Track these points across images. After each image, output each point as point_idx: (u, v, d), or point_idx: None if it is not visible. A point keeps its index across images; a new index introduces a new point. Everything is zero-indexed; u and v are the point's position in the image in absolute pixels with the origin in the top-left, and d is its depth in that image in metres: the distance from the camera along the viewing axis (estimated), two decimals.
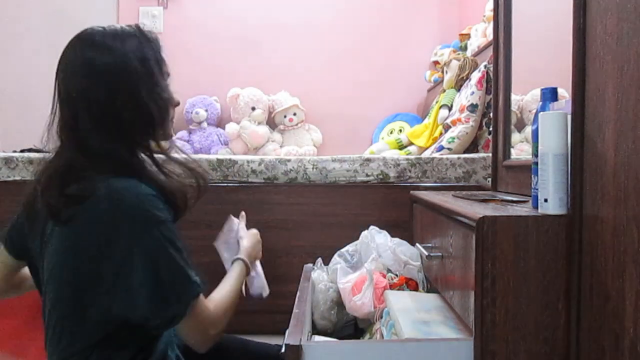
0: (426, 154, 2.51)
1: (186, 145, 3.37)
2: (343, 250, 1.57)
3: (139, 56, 0.93)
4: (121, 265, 0.84)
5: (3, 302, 1.16)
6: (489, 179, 1.76)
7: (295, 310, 1.15)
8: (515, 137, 1.50)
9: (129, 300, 0.84)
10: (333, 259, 1.55)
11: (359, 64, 3.76)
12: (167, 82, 1.01)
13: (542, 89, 1.00)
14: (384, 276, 1.36)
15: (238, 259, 1.13)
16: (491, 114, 1.71)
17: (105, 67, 0.91)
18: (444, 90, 2.83)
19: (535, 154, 0.98)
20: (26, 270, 1.06)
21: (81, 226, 0.85)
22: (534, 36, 1.44)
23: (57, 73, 0.97)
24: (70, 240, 0.87)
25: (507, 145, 1.51)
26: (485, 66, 2.40)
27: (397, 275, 1.39)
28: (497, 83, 1.59)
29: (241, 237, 1.21)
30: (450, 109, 2.66)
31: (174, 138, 1.03)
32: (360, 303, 1.30)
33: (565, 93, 1.04)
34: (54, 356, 0.89)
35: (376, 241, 1.45)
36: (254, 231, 1.25)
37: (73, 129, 0.93)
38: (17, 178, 2.18)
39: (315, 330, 1.40)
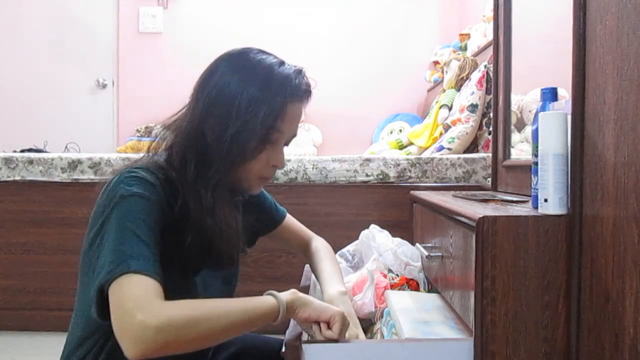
0: (426, 154, 2.51)
1: None
2: (344, 250, 1.57)
3: (251, 94, 0.90)
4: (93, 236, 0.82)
5: None
6: (489, 179, 1.76)
7: None
8: (515, 137, 1.50)
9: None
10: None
11: (359, 64, 3.76)
12: (270, 139, 0.93)
13: (542, 89, 1.00)
14: (385, 276, 1.36)
15: (270, 293, 0.86)
16: (491, 114, 1.71)
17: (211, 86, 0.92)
18: (444, 90, 2.83)
19: (535, 154, 0.98)
20: None
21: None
22: (534, 36, 1.44)
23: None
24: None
25: (507, 145, 1.51)
26: (485, 66, 2.40)
27: (398, 275, 1.39)
28: (497, 83, 1.59)
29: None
30: (450, 109, 2.67)
31: None
32: (360, 303, 1.29)
33: (565, 93, 1.04)
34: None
35: (377, 241, 1.44)
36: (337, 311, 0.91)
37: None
38: (17, 178, 2.18)
39: None
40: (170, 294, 0.76)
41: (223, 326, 0.76)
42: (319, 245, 1.26)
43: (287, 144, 0.99)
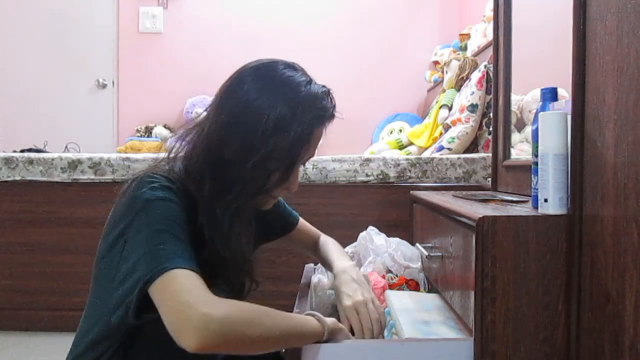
0: (426, 154, 2.51)
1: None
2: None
3: (280, 115, 0.86)
4: (115, 239, 0.82)
5: None
6: (489, 179, 1.76)
7: (295, 310, 1.15)
8: (515, 137, 1.50)
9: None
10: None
11: (359, 64, 3.76)
12: (295, 167, 0.91)
13: (542, 89, 1.00)
14: (384, 277, 1.36)
15: (313, 314, 0.88)
16: (491, 114, 1.71)
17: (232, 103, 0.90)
18: (444, 90, 2.83)
19: (535, 154, 0.98)
20: None
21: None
22: (534, 36, 1.44)
23: None
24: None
25: (507, 145, 1.51)
26: (485, 66, 2.40)
27: (397, 275, 1.39)
28: (497, 83, 1.59)
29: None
30: (450, 109, 2.67)
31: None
32: None
33: (565, 93, 1.04)
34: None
35: (375, 243, 1.44)
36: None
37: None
38: (17, 178, 2.18)
39: None
40: None
41: (276, 334, 0.77)
42: (328, 239, 1.28)
43: (303, 164, 0.97)
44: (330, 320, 0.88)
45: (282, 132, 0.85)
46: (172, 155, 0.93)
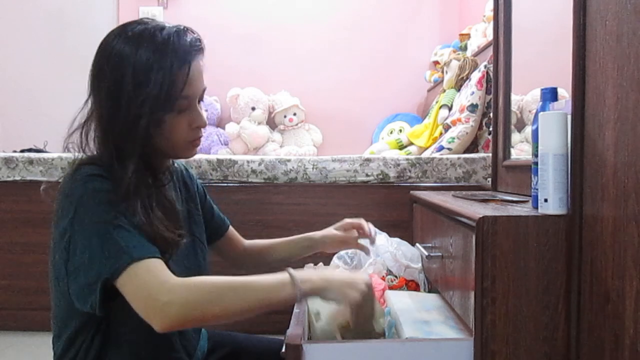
0: (426, 154, 2.51)
1: None
2: (342, 252, 1.56)
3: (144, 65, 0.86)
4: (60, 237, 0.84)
5: None
6: (489, 179, 1.77)
7: (295, 310, 1.15)
8: (515, 137, 1.50)
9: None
10: (332, 261, 1.55)
11: (359, 64, 3.76)
12: (180, 107, 0.91)
13: (542, 89, 1.00)
14: (384, 279, 1.36)
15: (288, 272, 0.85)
16: (491, 114, 1.71)
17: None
18: (444, 90, 2.83)
19: (535, 154, 0.98)
20: None
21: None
22: (534, 36, 1.44)
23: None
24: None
25: (507, 145, 1.51)
26: (485, 66, 2.40)
27: (397, 276, 1.39)
28: (497, 83, 1.59)
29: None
30: (450, 109, 2.67)
31: None
32: None
33: (565, 93, 1.04)
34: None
35: (376, 242, 1.44)
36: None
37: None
38: (17, 178, 2.18)
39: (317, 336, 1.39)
40: None
41: (243, 306, 0.80)
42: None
43: (200, 99, 0.96)
44: (307, 283, 0.84)
45: (150, 78, 0.85)
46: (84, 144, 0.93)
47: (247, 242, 1.27)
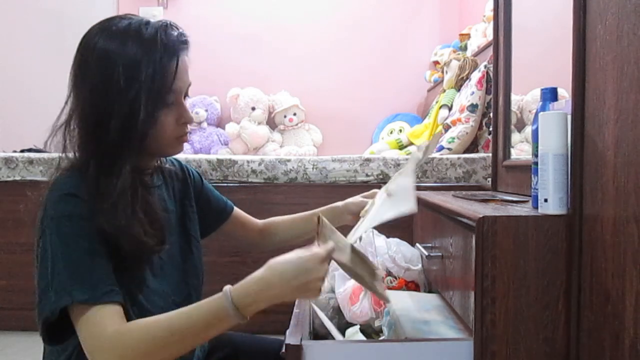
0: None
1: (186, 146, 3.37)
2: None
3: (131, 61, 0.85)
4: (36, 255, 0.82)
5: None
6: (489, 179, 1.76)
7: (295, 310, 1.15)
8: (515, 137, 1.50)
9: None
10: (332, 262, 1.54)
11: (359, 64, 3.76)
12: (167, 102, 0.88)
13: (542, 89, 1.00)
14: (383, 280, 1.36)
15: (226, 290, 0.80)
16: (491, 114, 1.71)
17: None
18: (444, 90, 2.83)
19: (535, 154, 0.98)
20: None
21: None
22: (534, 36, 1.44)
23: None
24: None
25: (507, 145, 1.51)
26: (485, 66, 2.40)
27: (396, 278, 1.39)
28: (497, 83, 1.59)
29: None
30: (450, 109, 2.67)
31: None
32: (359, 312, 1.29)
33: (565, 93, 1.04)
34: None
35: (375, 244, 1.44)
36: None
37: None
38: (17, 178, 2.18)
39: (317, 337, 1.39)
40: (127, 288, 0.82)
41: (191, 343, 0.80)
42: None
43: (186, 95, 0.94)
44: (251, 307, 0.79)
45: (141, 73, 0.84)
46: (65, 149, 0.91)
47: (262, 223, 1.24)
